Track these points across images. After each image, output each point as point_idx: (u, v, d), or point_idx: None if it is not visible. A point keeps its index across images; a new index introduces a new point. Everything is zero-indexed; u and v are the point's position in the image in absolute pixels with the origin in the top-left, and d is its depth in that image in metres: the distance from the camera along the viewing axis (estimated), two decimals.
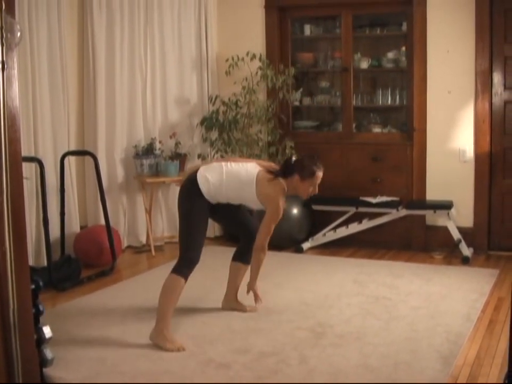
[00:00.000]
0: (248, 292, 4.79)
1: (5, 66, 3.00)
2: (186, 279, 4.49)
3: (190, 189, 4.62)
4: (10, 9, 3.06)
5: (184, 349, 4.28)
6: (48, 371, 3.81)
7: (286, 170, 4.64)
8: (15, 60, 3.15)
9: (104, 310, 5.09)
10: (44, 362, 3.74)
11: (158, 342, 4.33)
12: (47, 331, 3.74)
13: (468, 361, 4.04)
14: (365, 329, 4.56)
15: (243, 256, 4.95)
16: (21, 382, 3.14)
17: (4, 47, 3.00)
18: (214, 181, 4.57)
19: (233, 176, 4.62)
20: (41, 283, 3.71)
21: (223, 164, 4.73)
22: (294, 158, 4.73)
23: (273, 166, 4.85)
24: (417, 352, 4.13)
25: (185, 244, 4.56)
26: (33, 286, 3.59)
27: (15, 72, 3.15)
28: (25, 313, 3.19)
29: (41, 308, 3.70)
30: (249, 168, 4.68)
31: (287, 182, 4.63)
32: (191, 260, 4.50)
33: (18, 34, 3.10)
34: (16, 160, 3.15)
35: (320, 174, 4.68)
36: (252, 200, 4.67)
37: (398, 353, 4.12)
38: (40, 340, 3.70)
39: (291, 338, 4.40)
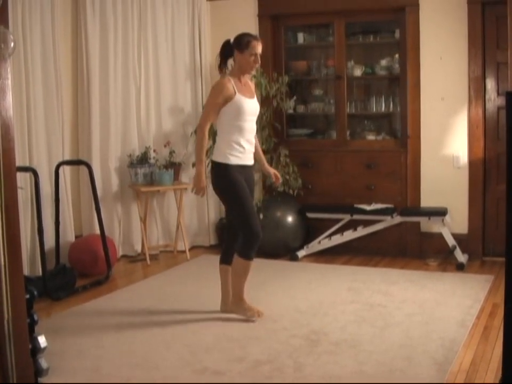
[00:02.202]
0: None
1: None
2: (253, 259, 4.85)
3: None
4: (4, 20, 3.08)
5: (262, 313, 4.92)
6: (43, 381, 3.80)
7: (225, 52, 4.90)
8: (8, 70, 3.16)
9: (99, 319, 5.08)
10: (39, 372, 3.75)
11: (238, 312, 4.95)
12: (42, 341, 3.75)
13: (463, 368, 4.04)
14: (360, 337, 4.56)
15: (228, 257, 5.02)
16: None
17: None
18: None
19: None
20: (35, 293, 3.72)
21: None
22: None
23: None
24: (412, 359, 4.13)
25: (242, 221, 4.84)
26: (27, 296, 3.59)
27: (9, 82, 3.17)
28: (20, 323, 3.20)
29: (35, 317, 3.71)
30: None
31: (232, 70, 4.91)
32: (253, 236, 4.79)
33: (12, 44, 3.11)
34: (10, 170, 3.16)
35: (255, 42, 4.84)
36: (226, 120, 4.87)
37: (393, 360, 4.13)
38: (35, 350, 3.71)
39: (286, 346, 4.40)
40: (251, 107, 4.87)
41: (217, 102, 4.76)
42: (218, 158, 4.85)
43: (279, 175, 5.29)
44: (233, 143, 4.80)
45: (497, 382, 3.42)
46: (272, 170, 5.26)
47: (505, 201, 2.89)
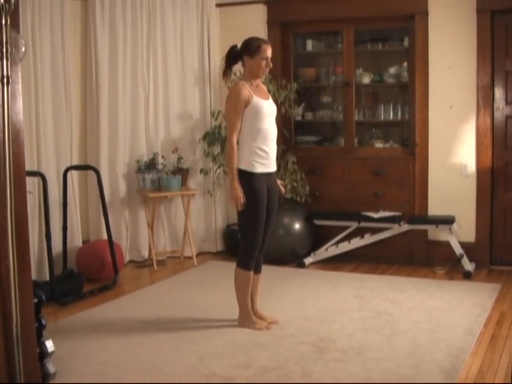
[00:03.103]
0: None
1: (10, 80, 3.02)
2: (252, 269, 4.88)
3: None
4: (15, 24, 3.09)
5: (275, 322, 4.96)
6: None
7: (231, 58, 4.86)
8: (19, 74, 3.17)
9: (106, 324, 5.08)
10: (46, 376, 3.76)
11: (248, 326, 4.91)
12: (49, 345, 3.76)
13: (471, 376, 4.02)
14: (367, 344, 4.55)
15: (256, 265, 4.99)
16: None
17: (9, 62, 3.03)
18: None
19: None
20: (43, 297, 3.72)
21: None
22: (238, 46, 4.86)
23: None
24: (420, 367, 4.12)
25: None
26: (35, 300, 3.60)
27: (20, 86, 3.18)
28: (28, 327, 3.20)
29: (43, 322, 3.72)
30: None
31: (243, 75, 4.88)
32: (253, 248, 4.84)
33: (23, 49, 3.12)
34: (20, 174, 3.17)
35: (265, 46, 4.80)
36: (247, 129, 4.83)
37: (400, 368, 4.12)
38: (43, 354, 3.72)
39: (293, 353, 4.40)
40: (269, 108, 4.84)
41: (238, 108, 4.71)
42: (243, 165, 4.78)
43: (282, 187, 5.19)
44: (257, 149, 4.76)
45: None
46: (278, 181, 5.19)
47: None
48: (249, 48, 4.77)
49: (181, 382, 3.96)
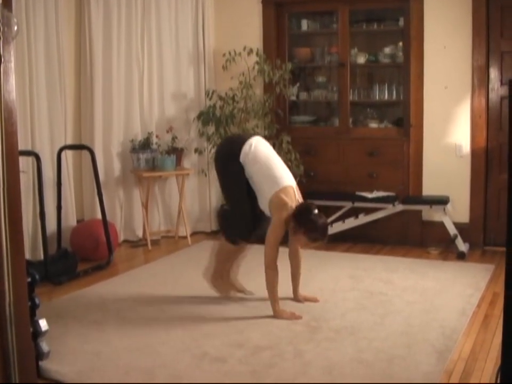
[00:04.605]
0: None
1: (2, 59, 2.99)
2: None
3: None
4: (7, 3, 3.06)
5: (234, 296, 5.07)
6: (44, 364, 3.82)
7: (302, 216, 4.66)
8: (12, 53, 3.14)
9: (100, 303, 5.09)
10: (40, 355, 3.77)
11: (208, 280, 5.19)
12: (43, 324, 3.76)
13: (463, 356, 4.05)
14: (360, 324, 4.57)
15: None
16: (16, 374, 3.15)
17: (1, 41, 3.00)
18: (256, 150, 4.81)
19: (266, 173, 4.77)
20: (37, 276, 3.72)
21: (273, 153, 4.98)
22: (315, 211, 4.67)
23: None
24: (412, 347, 4.14)
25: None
26: (29, 279, 3.60)
27: (12, 65, 3.15)
28: (21, 306, 3.19)
29: (37, 301, 3.72)
30: (284, 177, 4.80)
31: (290, 216, 4.69)
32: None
33: (15, 28, 3.09)
34: (12, 153, 3.15)
35: (318, 242, 4.75)
36: (265, 203, 4.77)
37: (393, 347, 4.13)
38: (37, 333, 3.72)
39: (287, 333, 4.41)
40: None
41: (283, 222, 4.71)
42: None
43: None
44: None
45: (496, 370, 3.42)
46: (302, 298, 5.11)
47: (507, 191, 2.87)
48: (311, 231, 4.65)
49: (174, 361, 3.97)
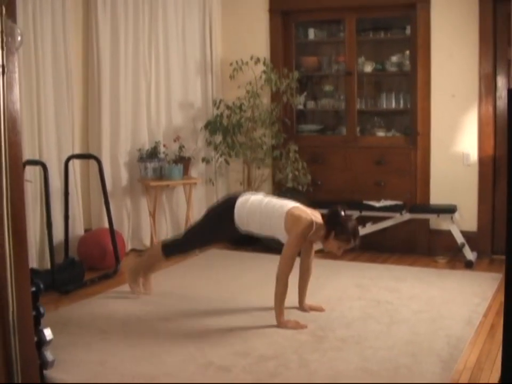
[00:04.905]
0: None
1: (5, 70, 3.02)
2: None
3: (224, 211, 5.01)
4: (11, 14, 3.08)
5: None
6: (49, 373, 3.82)
7: (330, 220, 4.67)
8: (16, 63, 3.17)
9: (107, 312, 5.09)
10: (44, 364, 3.77)
11: (128, 279, 5.50)
12: (47, 333, 3.76)
13: (469, 365, 4.03)
14: (366, 333, 4.56)
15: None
16: (20, 382, 3.16)
17: (5, 51, 3.02)
18: (250, 206, 4.87)
19: (271, 205, 4.86)
20: (42, 285, 3.72)
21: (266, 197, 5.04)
22: (343, 212, 4.69)
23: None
24: (418, 356, 4.12)
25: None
26: (34, 289, 3.61)
27: (16, 76, 3.17)
28: (25, 315, 3.21)
29: (42, 310, 3.72)
30: (288, 202, 4.87)
31: (320, 226, 4.69)
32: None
33: (19, 38, 3.12)
34: (16, 163, 3.17)
35: (352, 244, 4.73)
36: (280, 229, 4.76)
37: (399, 357, 4.12)
38: (41, 342, 3.72)
39: (292, 342, 4.40)
40: None
41: (301, 238, 4.73)
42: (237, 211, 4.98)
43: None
44: None
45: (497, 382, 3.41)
46: (308, 308, 5.09)
47: (506, 200, 2.87)
48: (343, 232, 4.64)
49: (179, 370, 3.97)
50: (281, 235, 4.80)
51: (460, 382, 3.81)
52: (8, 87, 3.09)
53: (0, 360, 3.08)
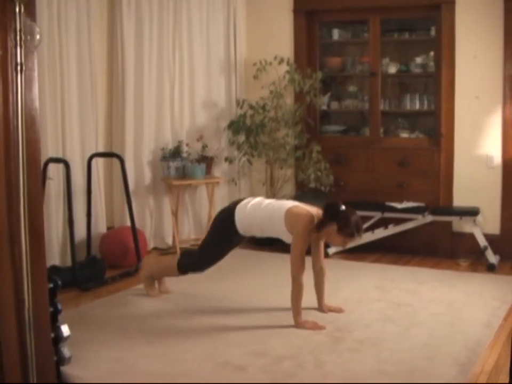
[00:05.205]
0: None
1: (23, 68, 3.04)
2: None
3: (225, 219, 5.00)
4: (30, 12, 3.11)
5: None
6: (66, 369, 3.85)
7: (330, 214, 4.65)
8: (35, 62, 3.20)
9: (126, 310, 5.12)
10: (61, 360, 3.79)
11: (144, 283, 5.48)
12: (65, 330, 3.79)
13: (486, 369, 4.00)
14: (383, 335, 4.54)
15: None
16: (35, 379, 3.19)
17: (23, 50, 3.05)
18: (249, 211, 4.86)
19: (270, 206, 4.86)
20: (59, 282, 3.75)
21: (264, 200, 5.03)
22: (343, 206, 4.67)
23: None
24: (435, 359, 4.10)
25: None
26: (51, 285, 3.64)
27: (35, 74, 3.20)
28: (41, 311, 3.24)
29: (59, 306, 3.74)
30: (287, 202, 4.92)
31: (320, 222, 4.69)
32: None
33: (38, 36, 3.15)
34: (34, 160, 3.20)
35: (356, 239, 4.73)
36: (282, 229, 4.76)
37: (415, 359, 4.10)
38: (58, 339, 3.75)
39: (309, 342, 4.40)
40: None
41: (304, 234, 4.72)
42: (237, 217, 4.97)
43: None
44: None
45: None
46: (327, 309, 5.08)
47: None
48: (345, 226, 4.60)
49: (196, 369, 3.98)
50: (284, 235, 4.80)
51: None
52: (26, 85, 3.12)
53: (16, 355, 3.11)
